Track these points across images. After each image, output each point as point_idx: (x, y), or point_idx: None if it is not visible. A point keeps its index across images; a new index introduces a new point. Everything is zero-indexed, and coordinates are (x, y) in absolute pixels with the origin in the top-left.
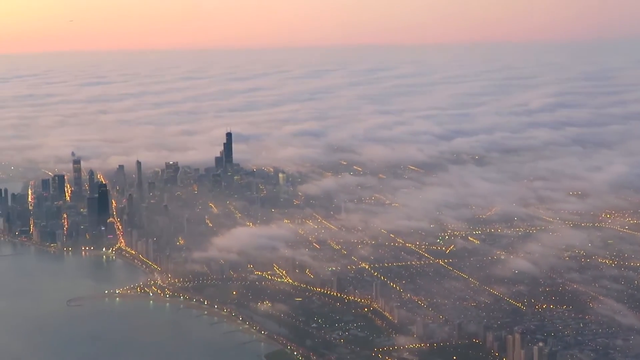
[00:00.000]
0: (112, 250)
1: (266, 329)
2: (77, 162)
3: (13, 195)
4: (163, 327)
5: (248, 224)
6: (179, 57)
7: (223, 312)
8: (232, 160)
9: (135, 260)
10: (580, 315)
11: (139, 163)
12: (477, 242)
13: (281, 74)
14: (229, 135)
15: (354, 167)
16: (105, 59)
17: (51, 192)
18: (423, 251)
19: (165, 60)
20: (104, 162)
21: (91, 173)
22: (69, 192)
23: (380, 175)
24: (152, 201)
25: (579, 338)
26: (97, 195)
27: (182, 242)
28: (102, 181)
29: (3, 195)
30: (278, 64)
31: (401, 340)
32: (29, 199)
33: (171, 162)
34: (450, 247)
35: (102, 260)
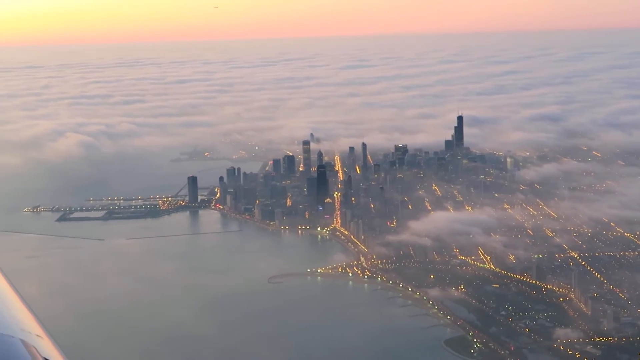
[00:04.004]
0: (327, 230)
1: (453, 314)
2: (306, 142)
3: (244, 174)
4: (354, 307)
5: (467, 207)
6: (446, 41)
7: (416, 295)
8: (462, 143)
9: (348, 242)
10: None
11: (364, 145)
12: None
13: (545, 57)
14: (460, 118)
15: (593, 152)
16: (374, 43)
17: (281, 172)
18: None
19: (431, 43)
20: (338, 143)
21: (320, 154)
22: (299, 172)
23: (619, 161)
24: (372, 183)
25: None
26: (316, 175)
27: (394, 224)
28: (333, 162)
29: (236, 174)
30: (545, 47)
31: (588, 332)
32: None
33: (400, 145)
34: None
35: (317, 239)
